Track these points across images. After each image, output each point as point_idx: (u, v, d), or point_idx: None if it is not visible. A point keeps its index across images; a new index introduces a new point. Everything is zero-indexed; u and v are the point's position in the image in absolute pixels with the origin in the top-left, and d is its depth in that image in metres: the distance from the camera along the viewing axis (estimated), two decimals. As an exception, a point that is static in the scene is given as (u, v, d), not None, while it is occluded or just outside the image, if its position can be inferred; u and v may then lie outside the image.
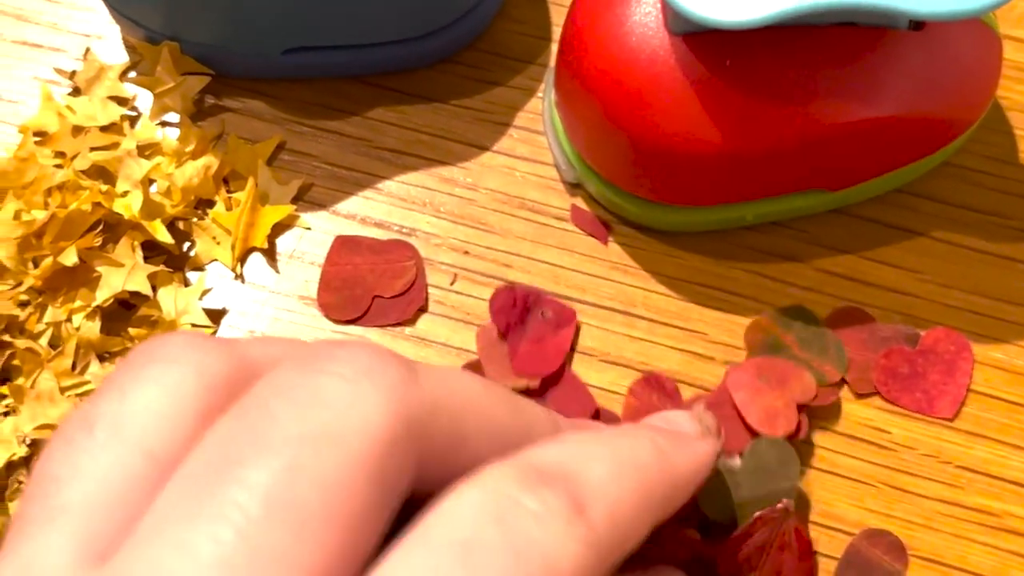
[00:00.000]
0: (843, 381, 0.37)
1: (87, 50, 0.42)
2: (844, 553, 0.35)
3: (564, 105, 0.38)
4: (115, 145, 0.40)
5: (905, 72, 0.35)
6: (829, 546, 0.36)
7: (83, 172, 0.39)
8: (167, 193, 0.39)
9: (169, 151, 0.40)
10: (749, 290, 0.39)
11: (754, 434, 0.36)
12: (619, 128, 0.36)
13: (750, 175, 0.36)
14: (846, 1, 0.32)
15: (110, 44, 0.43)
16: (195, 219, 0.39)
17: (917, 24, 0.35)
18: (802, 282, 0.39)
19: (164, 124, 0.41)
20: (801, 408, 0.36)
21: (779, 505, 0.34)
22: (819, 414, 0.37)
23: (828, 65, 0.35)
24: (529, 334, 0.38)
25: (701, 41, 0.34)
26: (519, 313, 0.39)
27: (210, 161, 0.39)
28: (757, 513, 0.34)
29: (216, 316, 0.38)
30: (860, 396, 0.37)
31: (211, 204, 0.40)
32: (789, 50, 0.34)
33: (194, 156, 0.40)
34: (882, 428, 0.37)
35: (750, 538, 0.33)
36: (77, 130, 0.40)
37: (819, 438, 0.37)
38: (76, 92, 0.42)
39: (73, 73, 0.42)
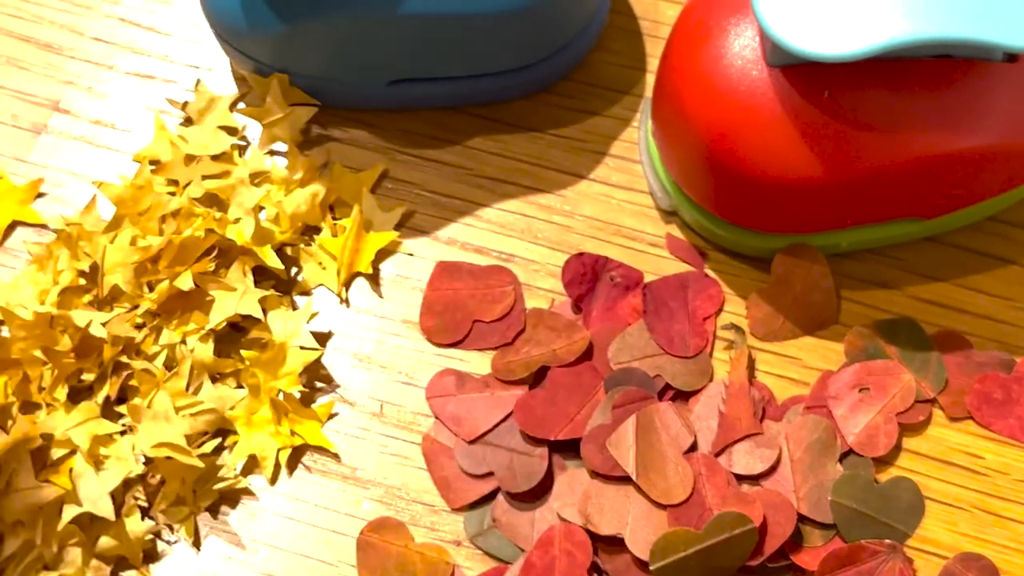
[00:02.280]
0: (934, 400, 0.38)
1: (198, 81, 0.44)
2: (939, 577, 0.36)
3: (661, 134, 0.39)
4: (226, 173, 0.41)
5: (999, 103, 0.36)
6: (924, 570, 0.36)
7: (196, 199, 0.41)
8: (276, 220, 0.41)
9: (278, 179, 0.41)
10: (843, 316, 0.39)
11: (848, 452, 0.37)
12: (717, 157, 0.36)
13: (846, 204, 0.37)
14: (944, 35, 0.32)
15: (220, 76, 0.44)
16: (302, 245, 0.41)
17: (1011, 57, 0.36)
18: (895, 308, 0.39)
19: (272, 153, 0.43)
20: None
21: (887, 541, 0.35)
22: (913, 439, 0.38)
23: (924, 96, 0.35)
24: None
25: (799, 73, 0.35)
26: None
27: (317, 189, 0.41)
28: (863, 541, 0.35)
29: (323, 339, 0.40)
30: (954, 420, 0.38)
31: (317, 230, 0.41)
32: (886, 82, 0.35)
33: (301, 184, 0.41)
34: (975, 453, 0.38)
35: (853, 565, 0.34)
36: (189, 159, 0.42)
37: (913, 462, 0.37)
38: (188, 122, 0.43)
39: (185, 104, 0.43)
